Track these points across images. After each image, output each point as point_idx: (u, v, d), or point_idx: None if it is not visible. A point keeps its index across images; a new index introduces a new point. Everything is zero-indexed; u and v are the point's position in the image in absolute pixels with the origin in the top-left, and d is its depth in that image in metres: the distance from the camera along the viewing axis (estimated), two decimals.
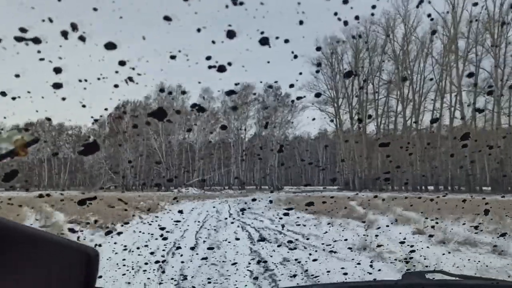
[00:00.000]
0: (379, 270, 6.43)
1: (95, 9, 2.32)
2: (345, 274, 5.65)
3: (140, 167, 66.06)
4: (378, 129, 51.85)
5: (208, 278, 6.00)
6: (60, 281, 0.51)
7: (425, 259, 6.80)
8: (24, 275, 0.49)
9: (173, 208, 21.22)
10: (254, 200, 21.24)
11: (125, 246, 7.91)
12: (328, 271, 5.97)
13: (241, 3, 2.18)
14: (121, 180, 66.31)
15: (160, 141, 65.07)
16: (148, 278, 5.88)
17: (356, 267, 6.48)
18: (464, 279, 1.80)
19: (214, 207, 21.00)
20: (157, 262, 7.00)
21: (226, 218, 15.92)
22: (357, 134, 54.80)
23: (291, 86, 2.85)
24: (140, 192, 49.24)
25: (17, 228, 0.49)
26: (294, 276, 6.10)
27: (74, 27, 2.10)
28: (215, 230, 12.10)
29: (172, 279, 5.89)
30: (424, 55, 44.67)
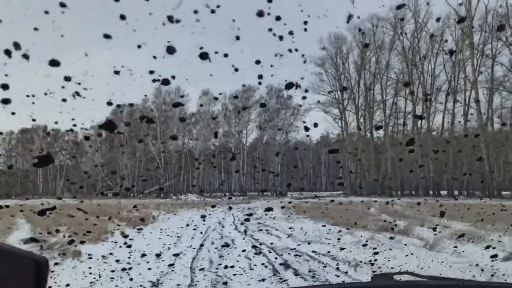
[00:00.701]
0: None
1: (35, 29, 2.83)
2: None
3: (137, 173, 63.56)
4: (386, 131, 49.44)
5: None
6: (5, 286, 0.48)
7: None
8: None
9: (168, 219, 18.75)
10: (269, 209, 18.92)
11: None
12: None
13: (178, 21, 2.56)
14: (118, 187, 63.86)
15: (158, 146, 62.64)
16: None
17: None
18: (432, 280, 1.81)
19: (216, 217, 18.55)
20: None
21: (230, 232, 13.47)
22: (363, 137, 52.40)
23: (296, 86, 3.43)
24: (137, 200, 46.88)
25: None
26: None
27: (16, 46, 2.43)
28: (219, 252, 9.53)
29: None
30: (435, 53, 42.34)
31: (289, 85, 3.39)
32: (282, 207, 23.42)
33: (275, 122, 62.75)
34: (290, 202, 27.33)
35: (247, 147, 68.30)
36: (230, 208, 26.13)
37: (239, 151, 66.60)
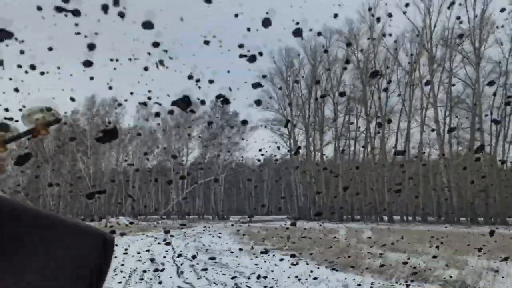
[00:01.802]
0: None
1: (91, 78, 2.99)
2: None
3: (61, 194, 56.65)
4: (337, 153, 46.85)
5: None
6: (74, 264, 0.50)
7: None
8: (36, 258, 0.48)
9: None
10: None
11: None
12: None
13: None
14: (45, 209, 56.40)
15: (88, 164, 56.19)
16: None
17: None
18: None
19: (148, 250, 13.92)
20: None
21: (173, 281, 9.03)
22: (310, 160, 49.59)
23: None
24: None
25: (25, 208, 0.48)
26: None
27: (116, 1, 2.39)
28: None
29: None
30: (391, 67, 40.37)
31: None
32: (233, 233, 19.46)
33: (219, 139, 58.69)
34: (238, 230, 23.29)
35: (188, 167, 63.42)
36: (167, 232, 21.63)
37: (178, 171, 61.65)
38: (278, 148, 49.90)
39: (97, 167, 55.61)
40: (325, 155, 48.17)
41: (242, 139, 54.98)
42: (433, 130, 36.89)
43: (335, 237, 18.78)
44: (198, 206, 66.32)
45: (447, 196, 35.34)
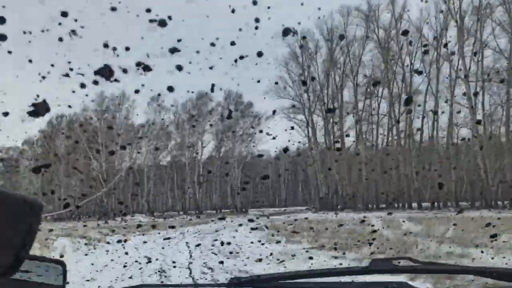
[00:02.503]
0: None
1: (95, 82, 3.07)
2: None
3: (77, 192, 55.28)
4: (358, 139, 44.49)
5: None
6: (5, 227, 0.52)
7: None
8: None
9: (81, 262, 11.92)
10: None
11: None
12: None
13: None
14: (54, 209, 55.14)
15: (101, 161, 54.65)
16: None
17: None
18: (430, 265, 1.85)
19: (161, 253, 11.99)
20: None
21: None
22: (332, 147, 47.23)
23: (293, 32, 4.09)
24: (75, 222, 39.35)
25: None
26: None
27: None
28: None
29: None
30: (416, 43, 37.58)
31: (286, 31, 3.50)
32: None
33: (232, 133, 56.70)
34: (266, 226, 21.37)
35: (202, 161, 61.59)
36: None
37: (193, 166, 59.92)
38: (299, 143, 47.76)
39: (109, 165, 53.97)
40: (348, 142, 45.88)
41: (255, 129, 52.82)
42: (458, 112, 34.59)
43: (375, 230, 16.63)
44: (214, 200, 64.61)
45: (483, 179, 32.91)
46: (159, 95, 52.71)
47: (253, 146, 59.55)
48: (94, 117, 53.10)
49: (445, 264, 2.10)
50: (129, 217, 46.21)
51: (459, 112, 35.03)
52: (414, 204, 38.29)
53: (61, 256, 11.81)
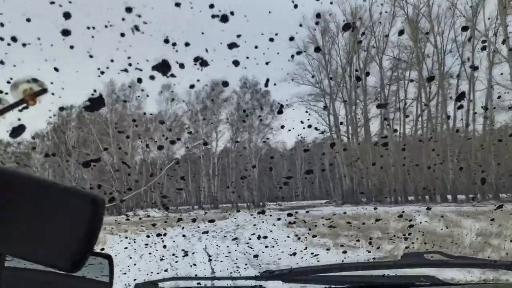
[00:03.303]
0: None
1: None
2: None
3: (88, 186, 53.31)
4: (383, 125, 41.49)
5: None
6: (62, 226, 0.54)
7: None
8: (24, 220, 0.51)
9: None
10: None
11: None
12: None
13: None
14: None
15: (112, 154, 52.52)
16: None
17: None
18: (462, 259, 1.90)
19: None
20: None
21: None
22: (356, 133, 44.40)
23: (353, 28, 7.70)
24: None
25: (16, 172, 0.51)
26: None
27: None
28: None
29: None
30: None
31: (346, 26, 3.50)
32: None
33: (249, 122, 54.07)
34: (291, 222, 18.73)
35: (217, 153, 59.13)
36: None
37: (208, 157, 57.58)
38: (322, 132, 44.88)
39: (120, 158, 51.82)
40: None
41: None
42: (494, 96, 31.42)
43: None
44: (229, 194, 62.11)
45: None
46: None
47: (267, 139, 57.01)
48: (105, 108, 50.80)
49: (475, 258, 2.10)
50: (141, 211, 44.10)
51: (499, 97, 32.00)
52: (449, 197, 35.31)
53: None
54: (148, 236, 15.04)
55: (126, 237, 15.40)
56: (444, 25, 35.79)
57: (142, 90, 47.72)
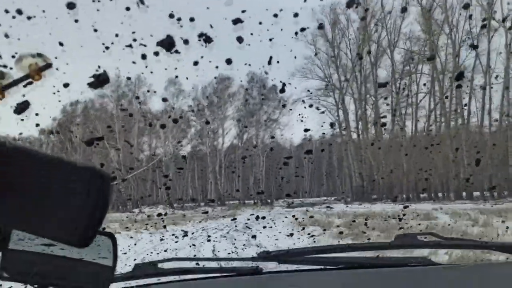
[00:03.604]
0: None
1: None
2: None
3: None
4: (394, 120, 40.43)
5: None
6: (72, 201, 0.54)
7: None
8: (32, 195, 0.52)
9: None
10: None
11: None
12: None
13: None
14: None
15: (119, 151, 51.76)
16: None
17: None
18: (453, 240, 1.89)
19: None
20: None
21: None
22: (366, 130, 43.37)
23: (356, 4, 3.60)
24: None
25: (21, 147, 0.51)
26: None
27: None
28: None
29: None
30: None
31: (350, 2, 3.23)
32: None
33: (257, 117, 53.18)
34: (303, 219, 17.90)
35: (224, 149, 58.22)
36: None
37: (214, 154, 56.70)
38: (332, 125, 43.83)
39: (126, 155, 51.06)
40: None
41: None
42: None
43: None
44: (236, 191, 61.21)
45: None
46: (176, 77, 49.45)
47: (272, 138, 56.02)
48: (110, 103, 50.12)
49: (468, 239, 2.06)
50: (146, 208, 43.35)
51: None
52: (464, 194, 34.24)
53: None
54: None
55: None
56: (459, 15, 34.66)
57: (146, 66, 46.60)
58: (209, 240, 12.68)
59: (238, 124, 54.63)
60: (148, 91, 47.29)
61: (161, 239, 12.44)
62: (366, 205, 32.56)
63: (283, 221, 15.90)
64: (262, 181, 55.34)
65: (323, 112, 41.75)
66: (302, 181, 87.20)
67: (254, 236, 12.28)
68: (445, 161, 33.69)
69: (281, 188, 71.79)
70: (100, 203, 0.55)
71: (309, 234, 11.47)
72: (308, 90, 43.88)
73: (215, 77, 49.14)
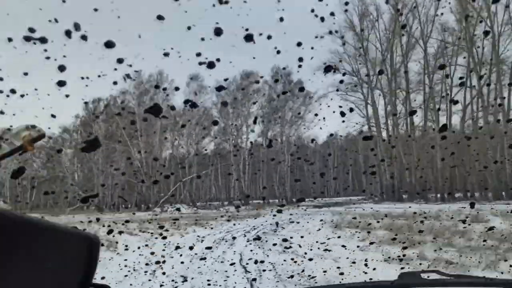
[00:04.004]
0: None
1: (95, 10, 3.14)
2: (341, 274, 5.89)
3: (113, 182, 51.98)
4: (426, 115, 38.30)
5: None
6: (59, 267, 0.54)
7: None
8: (19, 263, 0.51)
9: None
10: None
11: None
12: None
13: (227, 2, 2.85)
14: (95, 200, 52.20)
15: (139, 148, 50.96)
16: None
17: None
18: (460, 278, 1.84)
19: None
20: None
21: None
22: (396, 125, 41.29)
23: (334, 69, 3.81)
24: (112, 214, 36.05)
25: (6, 214, 0.50)
26: None
27: (77, 27, 2.65)
28: None
29: None
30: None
31: (327, 68, 3.45)
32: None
33: (282, 113, 51.61)
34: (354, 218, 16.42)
35: (249, 147, 56.76)
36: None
37: (238, 152, 55.27)
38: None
39: (148, 153, 50.24)
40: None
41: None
42: None
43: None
44: (260, 190, 59.71)
45: None
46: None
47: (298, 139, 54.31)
48: (133, 100, 49.33)
49: (475, 276, 2.00)
50: (170, 208, 42.43)
51: None
52: (503, 194, 31.95)
53: None
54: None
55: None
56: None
57: (178, 89, 45.60)
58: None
59: (262, 121, 53.18)
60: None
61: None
62: (399, 205, 30.72)
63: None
64: (287, 180, 53.70)
65: (352, 110, 39.84)
66: (329, 180, 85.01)
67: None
68: (483, 158, 31.48)
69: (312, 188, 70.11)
70: (88, 268, 0.55)
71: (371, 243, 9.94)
72: (340, 83, 41.91)
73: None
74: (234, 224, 18.95)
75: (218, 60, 3.14)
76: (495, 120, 31.70)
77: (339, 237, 11.10)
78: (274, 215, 19.46)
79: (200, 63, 3.09)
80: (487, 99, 34.32)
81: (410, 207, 19.89)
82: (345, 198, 57.50)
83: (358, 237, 11.41)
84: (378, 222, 13.63)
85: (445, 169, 34.93)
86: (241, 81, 50.01)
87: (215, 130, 55.48)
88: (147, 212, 37.04)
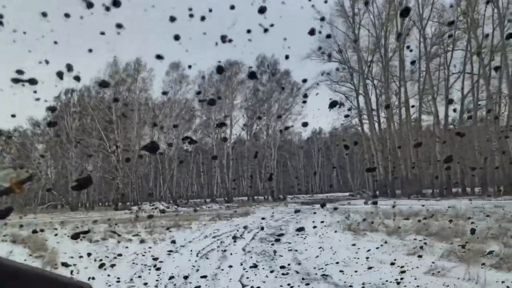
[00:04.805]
0: None
1: (90, 51, 4.41)
2: None
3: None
4: (421, 105, 36.06)
5: None
6: None
7: None
8: None
9: None
10: None
11: None
12: None
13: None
14: (64, 197, 48.68)
15: (116, 142, 47.53)
16: None
17: None
18: None
19: None
20: None
21: None
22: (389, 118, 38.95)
23: (340, 105, 7.90)
24: (85, 213, 33.08)
25: (8, 265, 0.50)
26: None
27: (69, 68, 2.70)
28: None
29: None
30: None
31: (332, 104, 3.74)
32: None
33: (267, 106, 48.91)
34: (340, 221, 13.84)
35: (232, 141, 53.88)
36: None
37: (220, 147, 52.29)
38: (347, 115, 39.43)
39: (125, 145, 46.87)
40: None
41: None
42: None
43: None
44: (245, 186, 56.83)
45: None
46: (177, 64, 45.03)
47: (285, 128, 51.75)
48: (108, 91, 45.82)
49: None
50: (148, 206, 39.35)
51: None
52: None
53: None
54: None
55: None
56: None
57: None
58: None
59: (246, 114, 50.43)
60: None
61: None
62: (398, 201, 28.38)
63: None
64: (274, 175, 50.99)
65: (340, 105, 37.42)
66: (313, 176, 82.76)
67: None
68: (484, 151, 29.33)
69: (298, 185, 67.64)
70: None
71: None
72: (328, 73, 39.44)
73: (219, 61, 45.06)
74: (221, 227, 16.21)
75: (219, 98, 4.56)
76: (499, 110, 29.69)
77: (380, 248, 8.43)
78: (272, 215, 16.83)
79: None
80: (487, 87, 32.07)
81: (423, 205, 17.35)
82: (333, 195, 55.26)
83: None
84: (405, 219, 11.04)
85: (442, 166, 32.77)
86: (225, 72, 47.11)
87: (196, 124, 52.50)
88: (123, 211, 34.12)
